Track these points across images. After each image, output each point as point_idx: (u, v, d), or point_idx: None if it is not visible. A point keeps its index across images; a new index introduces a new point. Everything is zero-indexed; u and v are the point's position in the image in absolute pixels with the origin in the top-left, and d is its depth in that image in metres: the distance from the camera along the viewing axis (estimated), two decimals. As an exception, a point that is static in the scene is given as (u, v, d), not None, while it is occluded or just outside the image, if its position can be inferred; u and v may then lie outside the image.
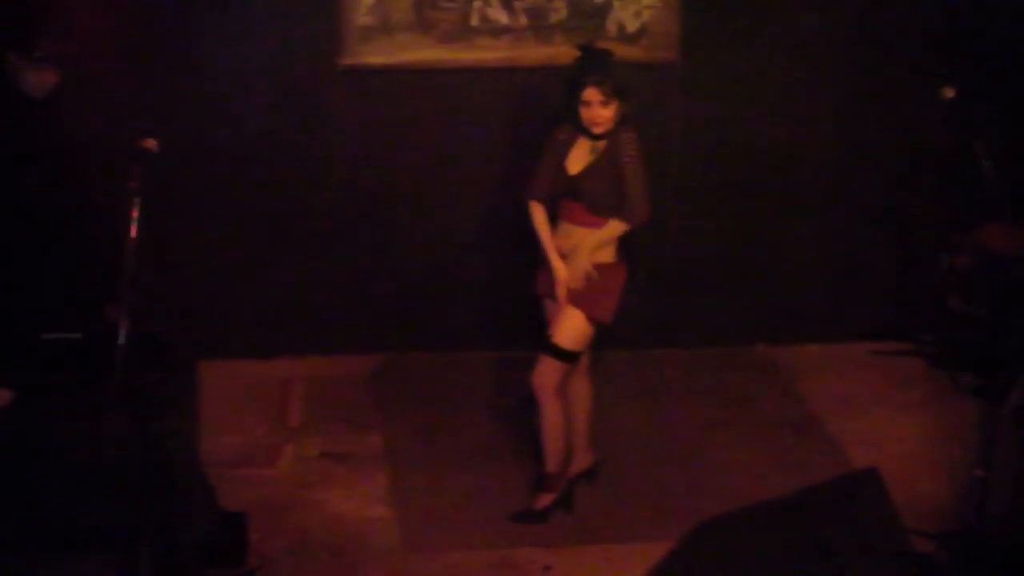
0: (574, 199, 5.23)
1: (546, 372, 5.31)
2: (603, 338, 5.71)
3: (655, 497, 5.63)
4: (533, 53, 6.41)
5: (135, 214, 4.32)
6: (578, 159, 5.24)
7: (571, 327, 5.27)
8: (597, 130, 5.17)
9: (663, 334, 6.83)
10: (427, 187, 6.58)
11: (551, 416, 5.38)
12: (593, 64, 5.16)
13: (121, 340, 4.25)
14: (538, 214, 5.33)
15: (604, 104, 5.12)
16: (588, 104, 5.13)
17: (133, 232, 4.32)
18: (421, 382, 6.55)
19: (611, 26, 6.41)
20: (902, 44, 6.57)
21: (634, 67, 6.33)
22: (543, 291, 5.42)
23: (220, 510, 5.05)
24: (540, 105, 6.42)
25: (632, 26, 6.42)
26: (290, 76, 6.26)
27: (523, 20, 6.37)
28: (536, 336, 6.34)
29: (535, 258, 6.62)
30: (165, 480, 4.52)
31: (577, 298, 5.26)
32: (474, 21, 6.33)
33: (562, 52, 6.36)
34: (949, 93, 5.33)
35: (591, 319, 5.29)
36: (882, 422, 6.26)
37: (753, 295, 6.93)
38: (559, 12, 6.37)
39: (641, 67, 6.31)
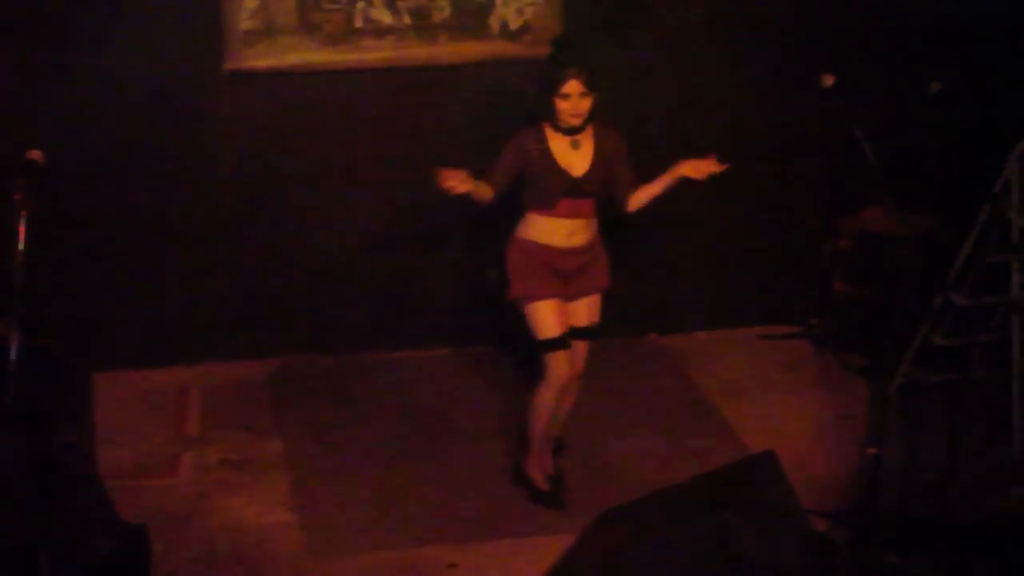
0: (580, 196, 5.27)
1: (586, 353, 5.50)
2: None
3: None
4: (417, 52, 6.42)
5: (22, 227, 4.27)
6: (570, 158, 5.25)
7: (596, 306, 5.48)
8: (575, 122, 5.18)
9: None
10: (316, 188, 6.55)
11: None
12: (572, 57, 5.18)
13: (12, 355, 4.19)
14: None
15: (584, 96, 5.14)
16: (567, 96, 5.13)
17: (21, 245, 4.26)
18: (318, 385, 6.53)
19: (494, 24, 6.44)
20: (780, 33, 6.68)
21: (517, 63, 6.42)
22: (544, 292, 5.34)
23: (120, 523, 4.99)
24: (424, 103, 6.45)
25: (515, 23, 6.46)
26: (174, 82, 6.19)
27: (407, 20, 6.37)
28: (425, 334, 6.63)
29: (428, 257, 6.67)
30: (63, 496, 4.47)
31: (591, 280, 5.42)
32: (358, 22, 6.32)
33: (445, 51, 6.42)
34: (828, 81, 5.45)
35: (604, 290, 5.50)
36: (774, 405, 6.37)
37: (642, 285, 7.00)
38: (442, 11, 6.39)
39: (524, 63, 6.36)
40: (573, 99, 5.14)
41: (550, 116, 5.21)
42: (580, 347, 5.46)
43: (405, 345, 6.83)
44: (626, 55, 6.56)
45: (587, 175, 5.26)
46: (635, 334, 7.06)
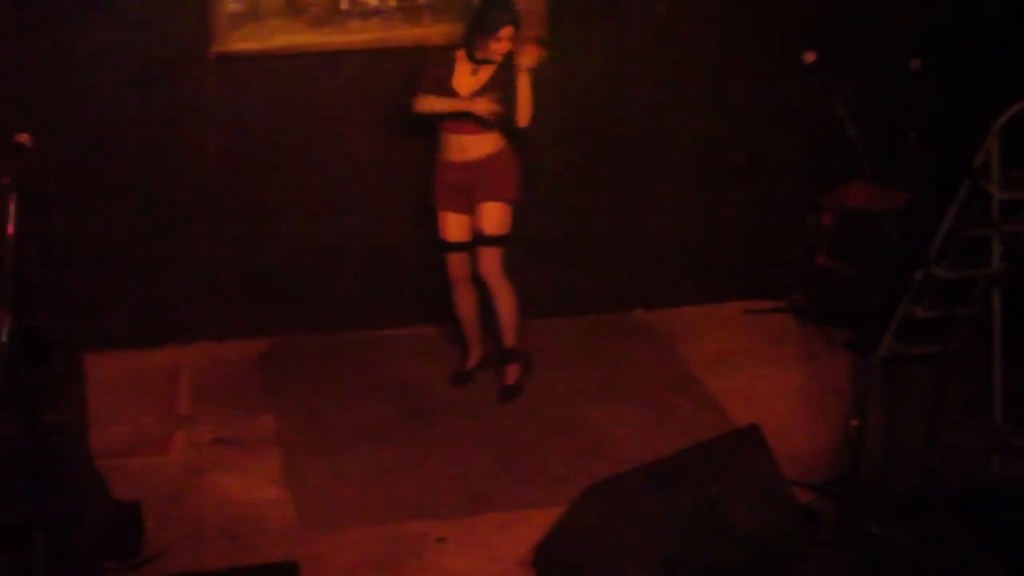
0: (466, 116, 5.93)
1: (490, 260, 6.07)
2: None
3: (543, 464, 5.73)
4: (403, 34, 6.45)
5: (12, 210, 4.29)
6: (464, 81, 5.96)
7: (494, 215, 6.03)
8: (499, 58, 5.91)
9: (541, 305, 6.88)
10: (304, 169, 6.59)
11: (506, 296, 6.13)
12: (507, 6, 5.92)
13: (3, 337, 4.22)
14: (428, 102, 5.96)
15: (511, 39, 5.88)
16: (501, 40, 5.87)
17: (11, 229, 4.29)
18: (308, 363, 6.57)
19: (479, 5, 6.46)
20: (762, 9, 6.72)
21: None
22: (442, 205, 6.14)
23: (114, 502, 5.04)
24: (410, 84, 6.47)
25: (500, 4, 6.47)
26: (162, 65, 6.22)
27: (392, 2, 6.40)
28: (413, 311, 6.79)
29: (417, 235, 6.71)
30: (56, 476, 4.50)
31: (487, 190, 6.00)
32: (344, 4, 6.35)
33: (431, 32, 6.45)
34: (810, 58, 5.50)
35: (506, 201, 6.03)
36: (759, 378, 6.42)
37: (628, 261, 7.05)
38: (427, -8, 6.43)
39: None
40: (504, 42, 5.88)
41: (472, 48, 5.93)
42: (483, 253, 6.07)
43: (395, 323, 6.88)
44: (610, 35, 6.60)
45: (471, 96, 5.91)
46: (622, 310, 7.11)
